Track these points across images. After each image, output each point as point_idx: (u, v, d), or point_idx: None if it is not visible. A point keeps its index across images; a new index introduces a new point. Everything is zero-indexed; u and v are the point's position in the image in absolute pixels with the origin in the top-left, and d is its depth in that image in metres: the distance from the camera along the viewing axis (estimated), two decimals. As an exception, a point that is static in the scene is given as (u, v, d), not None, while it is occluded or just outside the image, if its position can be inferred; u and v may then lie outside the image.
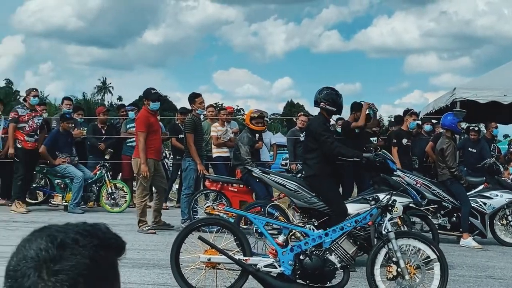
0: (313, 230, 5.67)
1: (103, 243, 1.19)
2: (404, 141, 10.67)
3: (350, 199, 6.72)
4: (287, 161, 12.74)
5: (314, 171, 6.49)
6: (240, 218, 6.63)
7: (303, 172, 7.09)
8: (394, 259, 5.18)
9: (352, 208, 6.25)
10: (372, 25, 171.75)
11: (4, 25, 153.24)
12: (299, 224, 6.23)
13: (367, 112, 9.56)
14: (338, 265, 5.18)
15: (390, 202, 5.30)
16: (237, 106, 70.39)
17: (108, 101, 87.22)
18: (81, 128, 12.47)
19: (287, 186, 6.61)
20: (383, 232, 5.24)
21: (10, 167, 11.20)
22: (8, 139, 11.05)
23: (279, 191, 7.09)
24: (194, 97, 9.69)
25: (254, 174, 7.45)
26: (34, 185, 11.88)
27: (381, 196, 5.51)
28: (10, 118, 11.20)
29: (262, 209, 6.99)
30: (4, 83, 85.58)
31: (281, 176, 7.06)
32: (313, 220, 6.52)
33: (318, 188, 6.44)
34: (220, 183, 8.98)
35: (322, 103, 6.61)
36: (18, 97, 66.79)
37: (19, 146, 10.88)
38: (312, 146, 6.53)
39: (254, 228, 6.30)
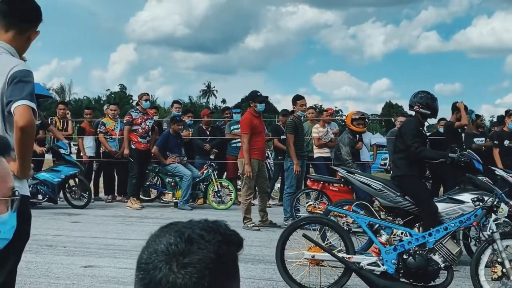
0: None
1: (225, 239, 1.21)
2: (506, 142, 10.20)
3: (436, 198, 6.50)
4: (386, 161, 12.53)
5: (402, 171, 6.35)
6: (328, 213, 6.57)
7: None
8: (499, 259, 4.98)
9: (439, 207, 6.07)
10: (471, 25, 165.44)
11: (118, 34, 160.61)
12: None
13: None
14: (442, 265, 5.04)
15: (495, 203, 5.10)
16: (336, 107, 70.07)
17: (212, 104, 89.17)
18: (189, 130, 12.80)
19: (372, 186, 6.50)
20: (488, 233, 5.05)
21: (125, 167, 11.68)
22: (124, 140, 11.54)
23: (364, 190, 6.97)
24: (296, 99, 9.79)
25: (340, 174, 7.38)
26: (147, 183, 12.34)
27: (485, 197, 5.30)
28: (125, 121, 11.66)
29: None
30: (119, 88, 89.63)
31: (366, 176, 6.97)
32: (398, 219, 6.38)
33: (407, 188, 6.29)
34: (322, 182, 8.93)
35: (416, 107, 6.45)
36: (131, 101, 69.64)
37: (133, 147, 11.34)
38: (401, 147, 6.40)
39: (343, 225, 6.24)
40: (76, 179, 11.29)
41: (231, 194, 11.73)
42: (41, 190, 10.57)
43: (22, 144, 2.93)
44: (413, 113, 6.68)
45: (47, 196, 10.62)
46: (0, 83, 3.08)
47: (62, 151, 10.89)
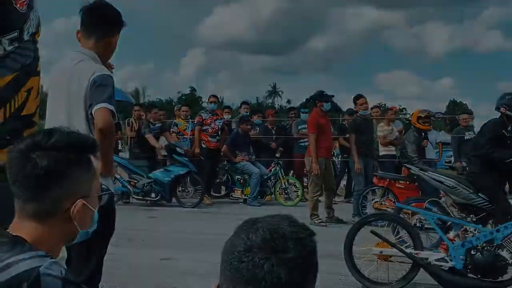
0: None
1: (311, 233, 1.25)
2: None
3: (508, 195, 6.30)
4: (451, 159, 12.25)
5: (477, 168, 6.21)
6: (399, 211, 6.48)
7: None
8: None
9: None
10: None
11: (188, 39, 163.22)
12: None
13: None
14: (510, 261, 4.91)
15: None
16: (400, 105, 68.84)
17: (278, 104, 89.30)
18: (256, 129, 12.90)
19: (445, 183, 6.35)
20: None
21: (197, 165, 11.86)
22: (195, 140, 11.75)
23: (437, 187, 6.83)
24: (356, 99, 9.88)
25: (412, 172, 7.26)
26: (217, 181, 12.50)
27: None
28: (195, 122, 11.89)
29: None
30: (189, 90, 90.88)
31: (438, 173, 6.83)
32: (471, 216, 6.22)
33: (481, 185, 6.14)
34: (388, 180, 8.84)
35: (502, 108, 6.27)
36: (201, 102, 70.58)
37: (204, 146, 11.54)
38: (477, 145, 6.27)
39: (414, 222, 6.15)
40: (189, 178, 11.42)
41: (298, 191, 11.75)
42: (155, 189, 10.89)
43: (102, 144, 3.05)
44: (485, 110, 6.54)
45: (160, 194, 10.91)
46: (84, 88, 3.23)
47: (178, 150, 11.08)
